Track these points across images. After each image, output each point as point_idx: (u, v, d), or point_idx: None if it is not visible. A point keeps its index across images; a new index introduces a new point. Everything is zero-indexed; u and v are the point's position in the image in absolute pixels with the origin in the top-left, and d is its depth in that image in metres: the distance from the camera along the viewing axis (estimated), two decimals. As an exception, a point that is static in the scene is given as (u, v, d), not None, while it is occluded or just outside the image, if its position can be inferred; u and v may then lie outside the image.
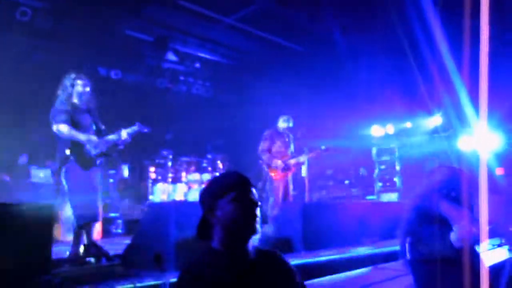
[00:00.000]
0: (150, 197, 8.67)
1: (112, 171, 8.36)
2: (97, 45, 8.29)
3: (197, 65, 10.31)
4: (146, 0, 7.95)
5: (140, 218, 6.44)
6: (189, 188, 8.79)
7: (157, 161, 8.96)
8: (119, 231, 8.00)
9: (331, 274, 4.16)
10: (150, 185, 8.82)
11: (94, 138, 4.44)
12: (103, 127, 4.70)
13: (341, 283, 4.07)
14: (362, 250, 4.97)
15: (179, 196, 8.55)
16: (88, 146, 4.38)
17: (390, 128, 10.69)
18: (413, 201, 2.73)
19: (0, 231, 2.69)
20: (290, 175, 6.91)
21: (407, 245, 2.67)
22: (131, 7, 8.02)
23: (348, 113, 9.44)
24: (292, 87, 9.99)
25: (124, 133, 4.65)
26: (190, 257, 1.75)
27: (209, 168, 9.19)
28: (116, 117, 5.20)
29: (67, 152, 4.29)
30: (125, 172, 9.17)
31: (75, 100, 4.49)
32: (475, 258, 2.32)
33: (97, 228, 6.56)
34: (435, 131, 10.06)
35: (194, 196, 8.38)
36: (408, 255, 2.65)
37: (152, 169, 8.93)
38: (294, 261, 3.63)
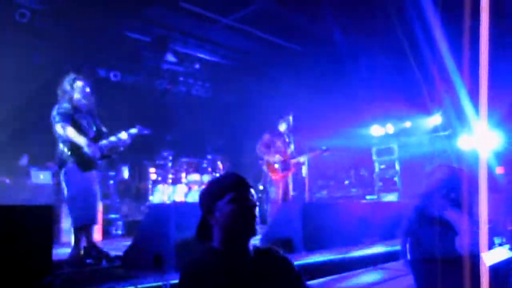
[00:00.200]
0: (150, 198, 8.66)
1: (112, 173, 8.35)
2: (96, 46, 8.29)
3: (197, 66, 10.31)
4: (145, 1, 7.94)
5: (141, 220, 6.44)
6: (189, 189, 8.78)
7: (157, 162, 8.95)
8: (119, 232, 8.01)
9: (331, 274, 4.16)
10: (150, 186, 8.82)
11: (91, 145, 4.40)
12: (103, 128, 4.70)
13: (341, 284, 4.07)
14: (363, 250, 4.97)
15: (179, 197, 8.54)
16: (86, 149, 4.37)
17: (390, 128, 10.68)
18: (414, 201, 2.72)
19: (0, 233, 2.68)
20: (290, 175, 6.91)
21: (407, 245, 2.67)
22: (130, 8, 8.01)
23: (348, 113, 9.44)
24: (292, 87, 9.98)
25: (124, 135, 4.65)
26: (191, 257, 1.75)
27: (209, 169, 9.18)
28: (115, 118, 5.19)
29: (68, 153, 4.29)
30: (125, 173, 9.16)
31: (76, 101, 4.49)
32: (476, 259, 2.31)
33: (97, 230, 6.57)
34: (435, 130, 10.05)
35: (194, 197, 8.37)
36: (408, 255, 2.65)
37: (152, 170, 8.93)
38: (294, 262, 3.62)
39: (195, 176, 8.96)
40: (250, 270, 1.72)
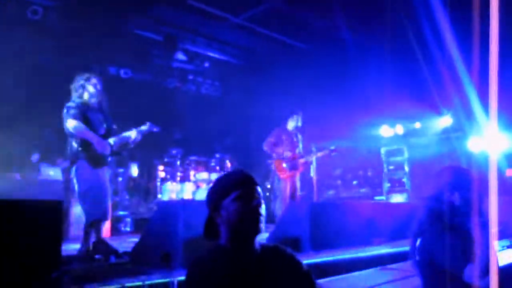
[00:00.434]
0: (159, 195, 8.70)
1: (121, 170, 8.40)
2: (107, 44, 8.34)
3: (206, 64, 10.34)
4: (155, 0, 7.98)
5: (149, 217, 6.47)
6: (197, 187, 8.81)
7: (166, 160, 8.99)
8: (128, 229, 8.05)
9: (338, 274, 4.16)
10: (158, 184, 8.86)
11: (101, 141, 4.44)
12: (114, 126, 4.73)
13: (349, 284, 4.06)
14: (370, 251, 4.95)
15: (187, 195, 8.58)
16: (96, 146, 4.41)
17: (399, 129, 10.63)
18: (423, 202, 2.71)
19: (9, 228, 2.71)
20: (298, 175, 6.90)
21: (416, 246, 2.66)
22: (140, 6, 8.06)
23: (357, 113, 9.41)
24: (300, 86, 9.97)
25: (135, 133, 4.69)
26: (197, 255, 1.76)
27: (217, 168, 9.20)
28: (125, 115, 5.23)
29: (79, 149, 4.33)
30: (134, 170, 9.22)
31: (87, 98, 4.53)
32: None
33: (106, 226, 6.61)
34: (444, 131, 9.99)
35: (202, 195, 8.40)
36: (417, 256, 2.64)
37: (161, 168, 8.97)
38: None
39: (203, 175, 8.99)
40: (257, 268, 1.72)
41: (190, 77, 10.58)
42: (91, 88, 4.55)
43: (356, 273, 4.30)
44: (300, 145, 6.99)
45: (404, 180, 10.20)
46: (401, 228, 5.06)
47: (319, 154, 7.05)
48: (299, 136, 7.00)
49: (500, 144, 7.87)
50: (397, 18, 7.44)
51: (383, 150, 10.66)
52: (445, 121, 10.00)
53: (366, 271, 4.40)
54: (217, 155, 9.38)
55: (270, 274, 1.74)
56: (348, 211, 5.83)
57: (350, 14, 8.07)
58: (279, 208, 6.60)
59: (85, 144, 4.35)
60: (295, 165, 6.79)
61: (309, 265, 3.96)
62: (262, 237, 1.81)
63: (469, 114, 7.78)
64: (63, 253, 3.34)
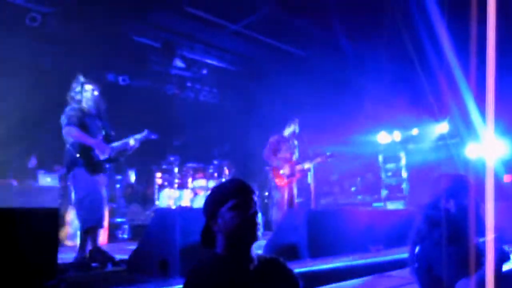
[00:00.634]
0: (156, 202, 8.68)
1: (118, 176, 8.38)
2: (105, 50, 8.35)
3: (204, 71, 10.36)
4: (153, 6, 8.00)
5: (147, 224, 6.44)
6: (195, 194, 8.79)
7: (163, 166, 8.97)
8: (125, 236, 8.02)
9: (336, 281, 4.14)
10: (156, 190, 8.84)
11: (103, 143, 4.47)
12: (112, 132, 4.73)
13: (346, 291, 4.05)
14: (368, 258, 4.93)
15: (185, 202, 8.55)
16: (97, 151, 4.41)
17: (397, 135, 10.66)
18: (421, 210, 2.71)
19: (5, 235, 2.70)
20: (295, 182, 6.88)
21: (415, 253, 2.66)
22: (138, 13, 8.08)
23: (354, 119, 9.43)
24: (298, 93, 9.99)
25: (133, 140, 4.69)
26: (194, 264, 1.76)
27: (215, 174, 9.18)
28: (123, 122, 5.23)
29: (76, 155, 4.32)
30: (132, 177, 9.20)
31: (85, 104, 4.53)
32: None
33: (103, 233, 6.58)
34: (442, 138, 10.02)
35: (200, 202, 8.38)
36: (416, 264, 2.64)
37: (158, 174, 8.95)
38: (299, 269, 3.62)
39: (201, 182, 8.96)
40: (253, 278, 1.72)
41: (188, 84, 10.59)
42: (88, 95, 4.54)
43: (354, 281, 4.29)
44: (297, 152, 6.97)
45: (402, 186, 10.21)
46: (399, 235, 5.04)
47: (316, 160, 7.03)
48: (296, 142, 6.99)
49: (497, 150, 7.89)
50: (394, 26, 7.47)
51: (380, 157, 10.68)
52: (442, 127, 10.03)
53: (364, 278, 4.38)
54: (215, 162, 9.36)
55: (264, 285, 1.74)
56: (346, 218, 5.81)
57: (348, 22, 8.10)
58: (276, 215, 6.57)
59: (83, 150, 4.34)
60: (292, 172, 6.78)
61: (307, 272, 3.96)
62: (260, 244, 1.81)
63: (466, 120, 7.80)
64: (59, 260, 3.32)
